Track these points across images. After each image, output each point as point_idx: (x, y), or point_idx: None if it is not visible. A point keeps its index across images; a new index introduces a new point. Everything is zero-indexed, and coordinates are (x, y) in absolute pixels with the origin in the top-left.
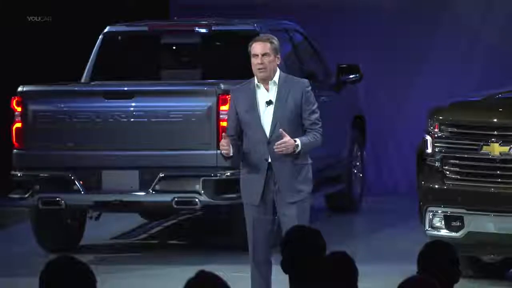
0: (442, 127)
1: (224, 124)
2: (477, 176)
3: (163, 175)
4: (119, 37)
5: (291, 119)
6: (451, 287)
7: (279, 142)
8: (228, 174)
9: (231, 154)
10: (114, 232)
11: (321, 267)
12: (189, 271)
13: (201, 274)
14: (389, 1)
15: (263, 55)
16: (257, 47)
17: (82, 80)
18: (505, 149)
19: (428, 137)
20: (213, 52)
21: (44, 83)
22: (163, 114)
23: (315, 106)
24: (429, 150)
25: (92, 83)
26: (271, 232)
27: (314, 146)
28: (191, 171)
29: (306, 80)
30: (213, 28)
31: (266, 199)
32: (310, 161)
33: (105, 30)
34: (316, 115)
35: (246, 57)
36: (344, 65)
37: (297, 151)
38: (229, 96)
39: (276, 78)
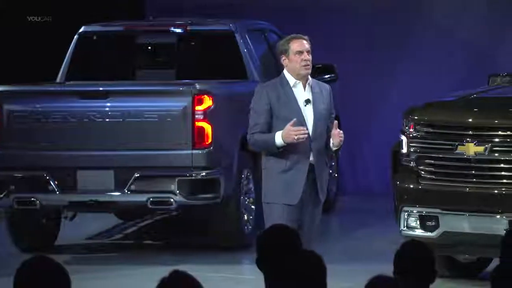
0: (417, 127)
1: (200, 124)
2: (452, 176)
3: (138, 175)
4: (95, 37)
5: (325, 119)
6: (427, 287)
7: (340, 131)
8: (204, 174)
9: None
10: (90, 232)
11: (291, 266)
12: (165, 271)
13: (174, 274)
14: (365, 2)
15: (307, 52)
16: (301, 44)
17: (58, 80)
18: (480, 149)
19: (403, 137)
20: (189, 52)
21: (20, 83)
22: (138, 114)
23: None
24: (404, 150)
25: (67, 83)
26: None
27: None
28: (167, 171)
29: (328, 85)
30: (188, 28)
31: (301, 199)
32: None
33: (80, 30)
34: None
35: (222, 57)
36: (319, 65)
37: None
38: (257, 91)
39: (309, 78)
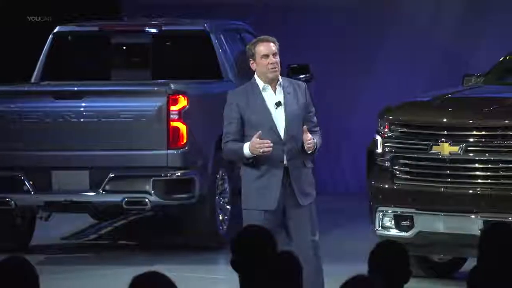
0: (392, 127)
1: (175, 124)
2: (427, 176)
3: (113, 175)
4: (69, 37)
5: (300, 120)
6: (401, 287)
7: (309, 138)
8: (179, 174)
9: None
10: (65, 232)
11: (268, 266)
12: (140, 271)
13: (147, 273)
14: (338, 1)
15: (273, 54)
16: (266, 47)
17: (32, 80)
18: (455, 149)
19: (378, 137)
20: (164, 52)
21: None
22: (113, 114)
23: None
24: (379, 150)
25: (42, 83)
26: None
27: (319, 147)
28: (142, 171)
29: (303, 82)
30: (163, 28)
31: (280, 204)
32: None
33: (55, 30)
34: (315, 118)
35: (197, 57)
36: (295, 65)
37: (316, 149)
38: (227, 99)
39: (280, 79)
